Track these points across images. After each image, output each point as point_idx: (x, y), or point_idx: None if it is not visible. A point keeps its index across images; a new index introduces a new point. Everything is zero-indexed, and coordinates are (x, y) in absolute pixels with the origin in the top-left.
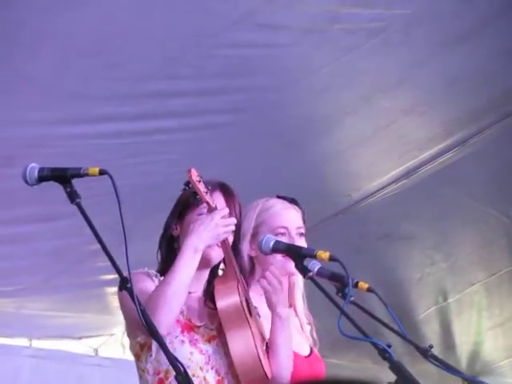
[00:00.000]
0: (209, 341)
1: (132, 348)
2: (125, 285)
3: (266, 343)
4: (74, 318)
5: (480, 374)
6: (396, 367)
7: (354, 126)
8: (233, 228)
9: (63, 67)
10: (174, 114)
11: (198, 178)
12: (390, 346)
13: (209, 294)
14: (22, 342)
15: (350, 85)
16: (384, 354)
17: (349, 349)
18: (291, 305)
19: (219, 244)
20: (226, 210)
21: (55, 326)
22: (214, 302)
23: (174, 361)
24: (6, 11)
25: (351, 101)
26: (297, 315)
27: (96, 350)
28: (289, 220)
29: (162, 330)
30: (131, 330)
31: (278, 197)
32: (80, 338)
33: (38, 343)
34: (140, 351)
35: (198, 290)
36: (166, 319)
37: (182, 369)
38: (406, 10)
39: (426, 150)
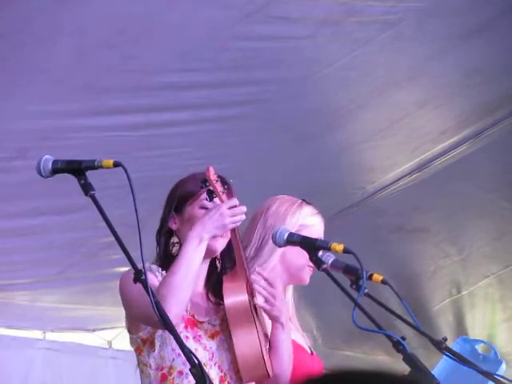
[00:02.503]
0: (212, 337)
1: (133, 343)
2: (139, 277)
3: (269, 341)
4: (87, 311)
5: None
6: (410, 359)
7: (368, 119)
8: (242, 218)
9: (77, 59)
10: (189, 107)
11: (215, 177)
12: (404, 339)
13: (211, 287)
14: (35, 334)
15: (364, 77)
16: (398, 346)
17: (363, 341)
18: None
19: (224, 235)
20: (235, 202)
21: (69, 319)
22: (216, 296)
23: (188, 353)
24: (21, 3)
25: (365, 94)
26: (290, 320)
27: (110, 343)
28: (322, 230)
29: (172, 319)
30: (135, 324)
31: (303, 200)
32: (94, 331)
33: (51, 335)
34: (142, 345)
35: (199, 285)
36: (175, 309)
37: (196, 361)
38: (420, 3)
39: (439, 143)
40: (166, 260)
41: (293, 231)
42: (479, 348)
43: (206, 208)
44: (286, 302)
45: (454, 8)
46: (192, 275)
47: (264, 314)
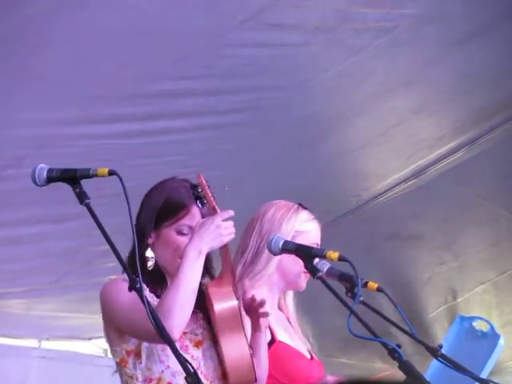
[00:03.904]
0: (197, 346)
1: (116, 355)
2: (134, 285)
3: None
4: (83, 319)
5: (490, 373)
6: (405, 367)
7: (363, 126)
8: (234, 231)
9: (73, 67)
10: (184, 114)
11: (206, 183)
12: (399, 346)
13: None
14: (31, 343)
15: (359, 84)
16: (393, 353)
17: (359, 349)
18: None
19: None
20: (230, 213)
21: (65, 327)
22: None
23: (183, 362)
24: (17, 10)
25: (360, 100)
26: (291, 324)
27: (106, 351)
28: (319, 236)
29: (176, 335)
30: (119, 336)
31: (299, 205)
32: (90, 339)
33: (47, 344)
34: (127, 357)
35: None
36: (180, 324)
37: (191, 370)
38: (415, 9)
39: (435, 150)
40: (144, 275)
41: (288, 238)
42: (476, 325)
43: (183, 233)
44: (286, 306)
45: (449, 14)
46: (193, 290)
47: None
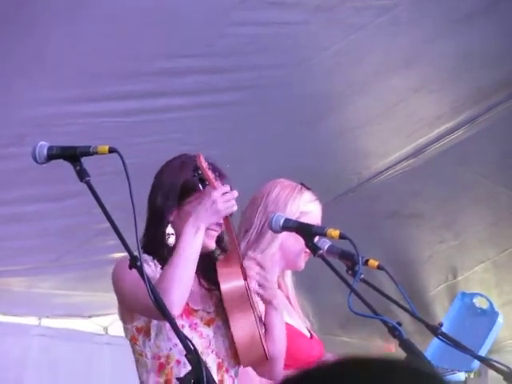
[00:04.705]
0: (208, 324)
1: (127, 333)
2: (135, 263)
3: (263, 324)
4: (83, 297)
5: (489, 351)
6: (406, 345)
7: (363, 105)
8: (234, 203)
9: (73, 46)
10: (184, 92)
11: (206, 164)
12: (400, 324)
13: (202, 273)
14: (31, 320)
15: (359, 63)
16: (394, 331)
17: (359, 327)
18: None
19: (217, 229)
20: (226, 188)
21: (65, 305)
22: (208, 281)
23: (184, 339)
24: None
25: (361, 79)
26: (290, 303)
27: (106, 329)
28: (320, 216)
29: (176, 311)
30: (129, 314)
31: (302, 185)
32: (90, 317)
33: (47, 322)
34: (137, 335)
35: None
36: (179, 300)
37: (192, 347)
38: None
39: (435, 128)
40: (161, 250)
41: (293, 218)
42: (477, 301)
43: None
44: (285, 285)
45: None
46: (192, 266)
47: (257, 298)
